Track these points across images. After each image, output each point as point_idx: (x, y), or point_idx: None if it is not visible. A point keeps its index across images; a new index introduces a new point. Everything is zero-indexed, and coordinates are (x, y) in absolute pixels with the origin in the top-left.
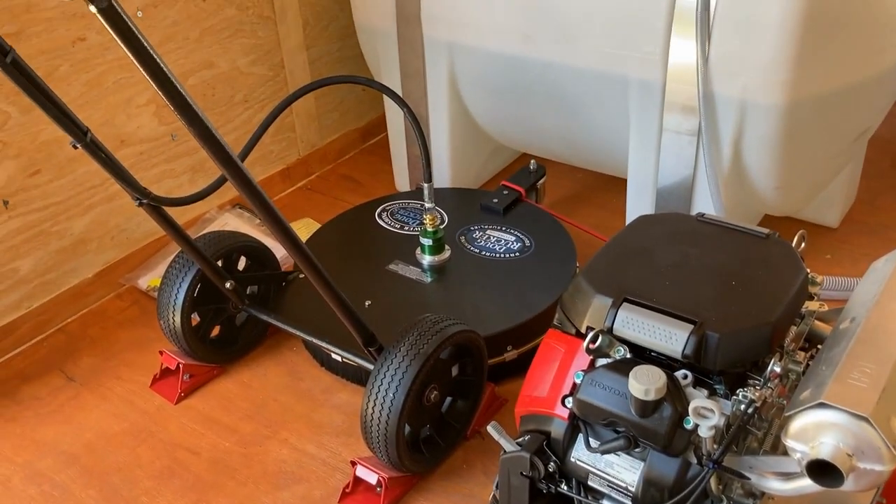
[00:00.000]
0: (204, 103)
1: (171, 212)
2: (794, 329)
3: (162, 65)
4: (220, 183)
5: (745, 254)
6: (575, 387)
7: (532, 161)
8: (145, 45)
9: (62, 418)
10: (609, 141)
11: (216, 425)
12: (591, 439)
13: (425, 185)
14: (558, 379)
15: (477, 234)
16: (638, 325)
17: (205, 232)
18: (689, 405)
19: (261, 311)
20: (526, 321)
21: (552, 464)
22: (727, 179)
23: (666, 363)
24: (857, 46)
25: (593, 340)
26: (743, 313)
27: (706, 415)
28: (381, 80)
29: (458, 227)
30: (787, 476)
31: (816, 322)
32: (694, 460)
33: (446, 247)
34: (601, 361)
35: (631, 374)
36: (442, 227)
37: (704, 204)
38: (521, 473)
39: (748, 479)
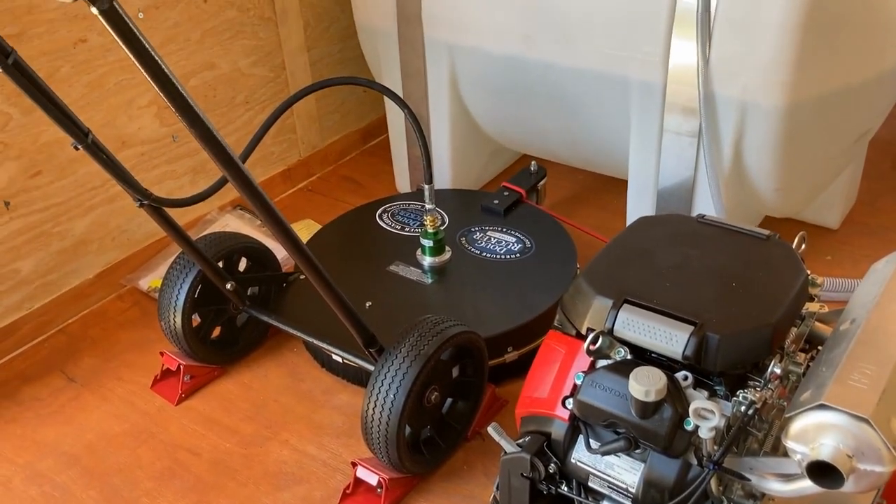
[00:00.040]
0: (205, 104)
1: (172, 213)
2: (794, 330)
3: (163, 66)
4: (221, 184)
5: (746, 255)
6: (575, 388)
7: (533, 162)
8: (147, 46)
9: (63, 419)
10: (609, 142)
11: (217, 426)
12: (591, 440)
13: (426, 186)
14: (559, 380)
15: (477, 235)
16: (638, 327)
17: (206, 233)
18: (689, 406)
19: (261, 312)
20: (526, 322)
21: (552, 465)
22: (728, 181)
23: (666, 364)
24: (858, 48)
25: (594, 342)
26: (743, 315)
27: (706, 416)
28: (381, 81)
29: (459, 228)
30: (788, 477)
31: (817, 323)
32: (694, 461)
33: (447, 248)
34: (601, 363)
35: (631, 375)
36: (442, 228)
37: (705, 205)
38: (522, 474)
39: (748, 480)
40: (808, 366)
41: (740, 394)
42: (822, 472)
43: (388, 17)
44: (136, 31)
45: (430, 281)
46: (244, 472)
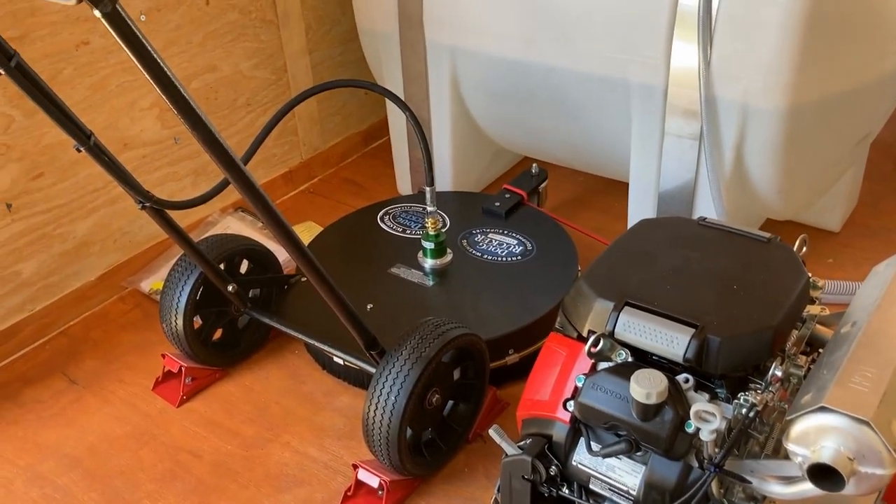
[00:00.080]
0: (207, 107)
1: (174, 215)
2: (795, 333)
3: (165, 68)
4: (222, 186)
5: (747, 258)
6: (576, 390)
7: (534, 165)
8: (149, 48)
9: (64, 421)
10: (611, 145)
11: (218, 428)
12: (592, 443)
13: (427, 188)
14: (560, 382)
15: (479, 237)
16: (639, 329)
17: (207, 235)
18: (690, 409)
19: (263, 314)
20: (527, 325)
21: (553, 467)
22: (729, 183)
23: (667, 367)
24: (859, 51)
25: (595, 344)
26: (744, 317)
27: (707, 418)
28: (383, 83)
29: (460, 230)
30: (789, 480)
31: (818, 326)
32: (695, 464)
33: (448, 250)
34: (603, 365)
35: (632, 377)
36: (444, 230)
37: (706, 208)
38: (523, 477)
39: (749, 482)
40: (809, 368)
41: (741, 396)
42: (823, 474)
43: (390, 20)
44: (138, 33)
45: (431, 283)
46: (245, 474)
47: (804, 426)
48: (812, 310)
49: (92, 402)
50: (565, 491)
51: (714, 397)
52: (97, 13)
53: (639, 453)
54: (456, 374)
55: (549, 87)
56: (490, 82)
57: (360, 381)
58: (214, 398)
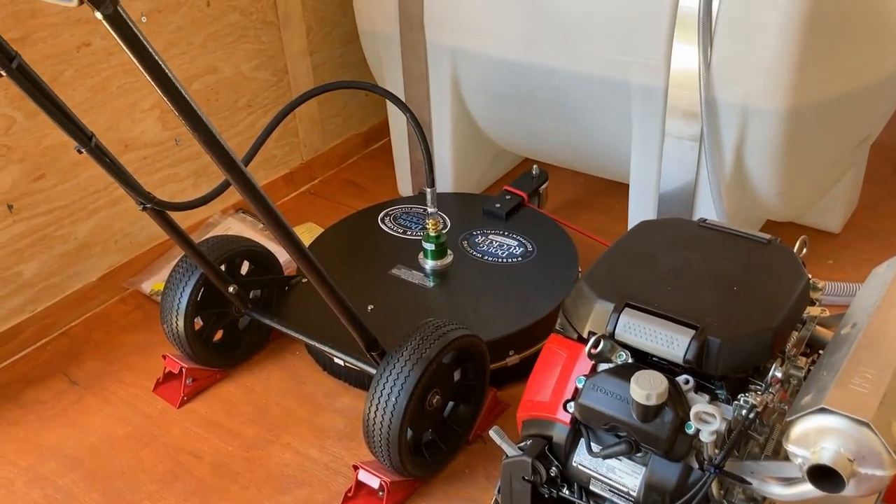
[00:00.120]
0: (207, 108)
1: (175, 216)
2: (795, 334)
3: (166, 70)
4: (223, 187)
5: (747, 259)
6: (577, 391)
7: (534, 166)
8: (150, 50)
9: (65, 422)
10: (611, 146)
11: (219, 429)
12: (592, 444)
13: (428, 189)
14: (560, 384)
15: (479, 238)
16: (639, 331)
17: (208, 236)
18: (690, 410)
19: (263, 315)
20: (528, 326)
21: (554, 468)
22: (729, 185)
23: (667, 368)
24: (859, 52)
25: (595, 345)
26: (744, 319)
27: (708, 420)
28: (383, 85)
29: (461, 231)
30: (789, 481)
31: (818, 327)
32: (695, 465)
33: (449, 251)
34: (603, 366)
35: (632, 379)
36: (444, 231)
37: (706, 209)
38: (523, 478)
39: (749, 483)
40: (809, 370)
41: (741, 397)
42: (824, 475)
43: (391, 22)
44: (139, 35)
45: (431, 284)
46: (246, 475)
47: (804, 427)
48: (812, 311)
49: (93, 402)
50: (565, 492)
51: (714, 398)
52: (98, 15)
53: (639, 454)
54: (456, 376)
55: (550, 88)
56: (491, 84)
57: (361, 382)
58: (215, 399)
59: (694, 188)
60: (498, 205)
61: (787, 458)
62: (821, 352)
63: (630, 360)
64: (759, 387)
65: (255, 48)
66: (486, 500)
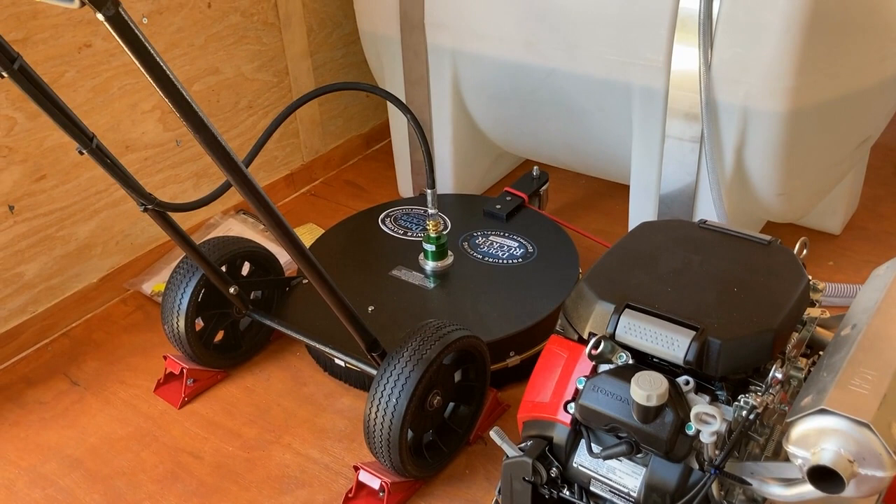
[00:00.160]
0: (208, 109)
1: (176, 217)
2: (795, 335)
3: (167, 71)
4: (224, 189)
5: (747, 260)
6: (577, 392)
7: (535, 167)
8: (151, 51)
9: (66, 422)
10: (612, 147)
11: (220, 430)
12: (593, 445)
13: (428, 190)
14: (561, 385)
15: (480, 239)
16: (640, 332)
17: (209, 237)
18: (690, 411)
19: (264, 316)
20: (529, 327)
21: (554, 469)
22: (729, 186)
23: (668, 369)
24: (860, 54)
25: (595, 346)
26: (745, 320)
27: (708, 420)
28: (384, 86)
29: (461, 232)
30: (789, 482)
31: (818, 328)
32: (696, 466)
33: (449, 253)
34: (603, 367)
35: (633, 379)
36: (445, 232)
37: (707, 210)
38: (524, 479)
39: (750, 484)
40: (809, 371)
41: (742, 398)
42: (824, 476)
43: (392, 23)
44: (140, 36)
45: (432, 285)
46: (247, 476)
47: (804, 428)
48: (812, 312)
49: (94, 403)
50: (566, 493)
51: (714, 399)
52: (100, 16)
53: (639, 455)
54: (457, 376)
55: (551, 90)
56: (491, 85)
57: (362, 382)
58: (216, 400)
59: (694, 189)
60: (498, 206)
61: (787, 458)
62: (821, 353)
63: (630, 361)
64: (759, 388)
65: (255, 49)
66: (487, 501)
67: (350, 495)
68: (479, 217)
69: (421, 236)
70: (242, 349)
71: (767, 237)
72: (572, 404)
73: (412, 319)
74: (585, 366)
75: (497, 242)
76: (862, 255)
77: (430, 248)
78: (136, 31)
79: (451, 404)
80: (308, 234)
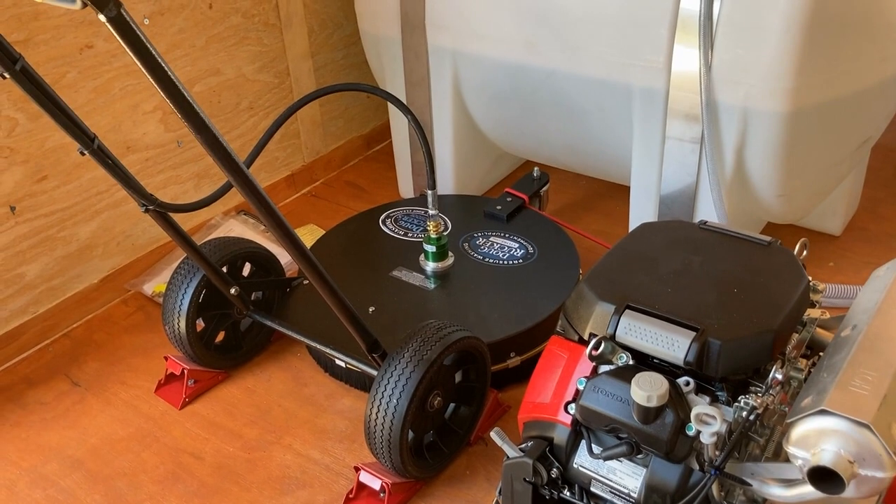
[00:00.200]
0: (210, 110)
1: (177, 218)
2: (795, 336)
3: (169, 72)
4: (225, 189)
5: (748, 261)
6: (578, 393)
7: (535, 168)
8: (153, 53)
9: (67, 423)
10: (612, 148)
11: (220, 430)
12: (593, 445)
13: (429, 191)
14: (561, 385)
15: (480, 240)
16: (640, 332)
17: (210, 238)
18: (691, 412)
19: (265, 316)
20: (529, 328)
21: (555, 470)
22: (730, 187)
23: (668, 370)
24: (860, 55)
25: (596, 347)
26: (745, 321)
27: (708, 421)
28: (385, 87)
29: (462, 233)
30: (789, 483)
31: (818, 329)
32: (696, 467)
33: (450, 253)
34: (604, 368)
35: (633, 380)
36: (445, 233)
37: (707, 211)
38: (524, 479)
39: (750, 485)
40: (809, 372)
41: (742, 399)
42: (824, 477)
43: (392, 24)
44: (142, 37)
45: (433, 286)
46: (248, 477)
47: (804, 429)
48: (812, 313)
49: (94, 404)
50: (566, 493)
51: (715, 400)
52: (101, 17)
53: (640, 456)
54: (457, 377)
55: (551, 91)
56: (492, 86)
57: (362, 383)
58: (216, 400)
59: (695, 190)
60: (499, 207)
61: (787, 459)
62: (821, 354)
63: (631, 362)
64: (759, 389)
65: (257, 50)
66: (488, 502)
67: (351, 496)
68: (479, 218)
69: (421, 237)
70: (243, 350)
71: (768, 238)
72: (573, 405)
73: (413, 320)
74: (586, 367)
75: (497, 243)
76: (862, 256)
77: (430, 248)
78: (138, 32)
79: (452, 405)
80: (309, 235)
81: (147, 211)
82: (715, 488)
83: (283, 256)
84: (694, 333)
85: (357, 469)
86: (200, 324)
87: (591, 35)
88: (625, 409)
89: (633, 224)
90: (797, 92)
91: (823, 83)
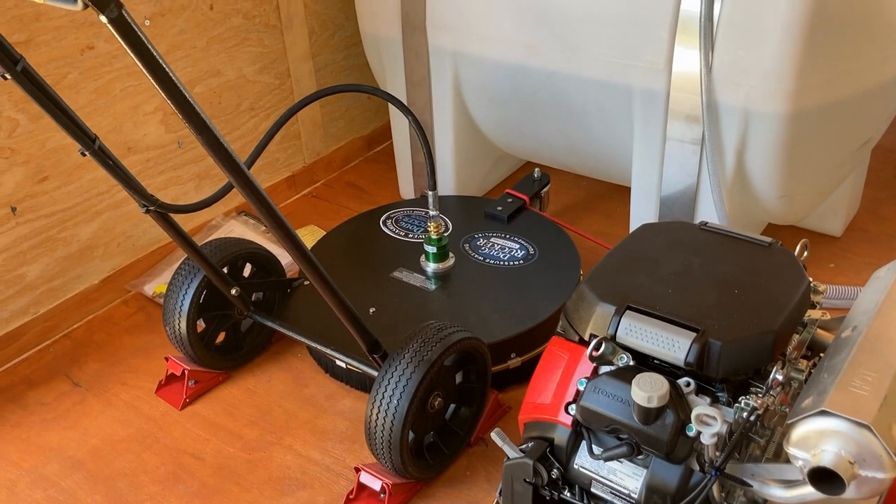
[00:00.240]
0: (211, 111)
1: (178, 218)
2: (796, 337)
3: (170, 73)
4: (226, 190)
5: (748, 262)
6: (578, 394)
7: (536, 169)
8: (153, 53)
9: (68, 424)
10: (613, 149)
11: (221, 431)
12: (593, 446)
13: (430, 192)
14: (562, 386)
15: (481, 241)
16: (641, 333)
17: (210, 239)
18: (691, 412)
19: (266, 317)
20: (530, 329)
21: (555, 470)
22: (730, 188)
23: (669, 371)
24: (861, 56)
25: (596, 348)
26: (745, 321)
27: (709, 422)
28: (386, 88)
29: (463, 234)
30: (789, 483)
31: (819, 330)
32: (696, 467)
33: (450, 254)
34: (604, 369)
35: (634, 381)
36: (446, 234)
37: (708, 212)
38: (525, 480)
39: (750, 486)
40: (809, 372)
41: (742, 400)
42: (824, 478)
43: (393, 25)
44: (143, 38)
45: (433, 287)
46: (248, 477)
47: (805, 430)
48: (813, 314)
49: (95, 404)
50: (567, 494)
51: (715, 401)
52: (103, 18)
53: (640, 457)
54: (458, 378)
55: (552, 92)
56: (493, 87)
57: (363, 384)
58: (217, 401)
59: (695, 191)
60: (500, 208)
61: (787, 460)
62: (821, 355)
63: (631, 363)
64: (759, 389)
65: (257, 51)
66: (488, 503)
67: (351, 497)
68: (480, 219)
69: (422, 238)
70: (244, 350)
71: (768, 239)
72: (573, 406)
73: (413, 321)
74: (586, 367)
75: (498, 244)
76: (863, 257)
77: (431, 249)
78: (139, 34)
79: (452, 406)
80: (309, 236)
81: (148, 212)
82: (715, 489)
83: (284, 257)
84: (694, 334)
85: (357, 470)
86: (201, 324)
87: (592, 36)
88: (625, 410)
89: (634, 225)
90: (798, 93)
91: (824, 84)
